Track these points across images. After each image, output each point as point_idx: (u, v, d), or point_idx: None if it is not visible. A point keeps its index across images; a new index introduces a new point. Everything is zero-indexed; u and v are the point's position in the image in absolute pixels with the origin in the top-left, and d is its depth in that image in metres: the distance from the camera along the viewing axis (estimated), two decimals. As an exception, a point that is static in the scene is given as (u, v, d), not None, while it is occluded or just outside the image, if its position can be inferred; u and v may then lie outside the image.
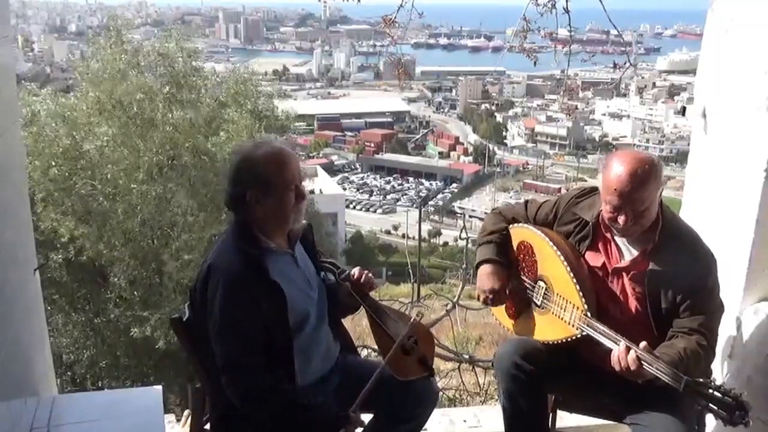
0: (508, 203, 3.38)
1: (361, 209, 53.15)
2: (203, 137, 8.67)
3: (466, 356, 4.88)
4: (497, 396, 2.61)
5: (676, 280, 1.90)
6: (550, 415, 2.27)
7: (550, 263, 2.05)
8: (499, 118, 77.09)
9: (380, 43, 76.88)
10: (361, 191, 58.60)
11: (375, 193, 58.46)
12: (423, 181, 61.36)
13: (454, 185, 60.71)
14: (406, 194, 57.72)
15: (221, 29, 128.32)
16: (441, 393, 4.12)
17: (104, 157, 8.24)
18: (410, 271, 9.71)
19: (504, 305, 2.22)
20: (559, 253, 2.01)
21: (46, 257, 7.38)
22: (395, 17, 3.51)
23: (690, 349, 1.81)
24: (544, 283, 2.08)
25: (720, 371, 2.34)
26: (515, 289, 2.15)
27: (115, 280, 8.02)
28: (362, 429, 1.99)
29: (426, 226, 42.14)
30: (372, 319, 2.08)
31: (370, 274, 2.10)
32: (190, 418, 2.16)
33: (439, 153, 68.68)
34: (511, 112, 78.90)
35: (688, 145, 2.79)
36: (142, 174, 8.18)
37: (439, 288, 8.51)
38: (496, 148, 69.24)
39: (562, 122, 66.63)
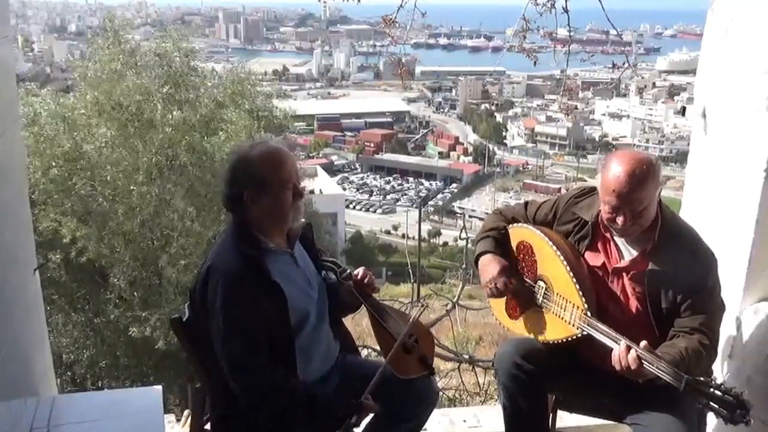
0: (508, 204, 3.38)
1: (360, 209, 53.15)
2: (202, 137, 8.66)
3: (466, 356, 4.89)
4: (497, 396, 2.61)
5: (676, 279, 1.90)
6: (550, 415, 2.27)
7: (550, 263, 2.05)
8: (498, 118, 77.10)
9: (380, 43, 77.01)
10: (360, 191, 58.60)
11: (375, 193, 58.44)
12: (423, 181, 61.36)
13: (454, 185, 60.71)
14: (405, 194, 57.72)
15: (221, 29, 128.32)
16: (441, 393, 4.11)
17: (103, 158, 8.23)
18: (410, 271, 9.72)
19: (504, 305, 2.22)
20: (558, 252, 2.01)
21: (45, 257, 7.37)
22: (395, 17, 3.51)
23: (692, 349, 1.81)
24: (544, 282, 2.08)
25: (720, 371, 2.34)
26: (515, 289, 2.15)
27: (115, 280, 8.01)
28: (363, 428, 1.99)
29: (426, 226, 42.14)
30: (373, 318, 2.08)
31: (373, 276, 2.11)
32: (190, 418, 2.16)
33: (439, 153, 68.66)
34: (510, 112, 78.90)
35: (688, 145, 2.79)
36: (141, 175, 8.17)
37: (439, 288, 8.51)
38: (495, 148, 69.24)
39: (562, 122, 66.63)
